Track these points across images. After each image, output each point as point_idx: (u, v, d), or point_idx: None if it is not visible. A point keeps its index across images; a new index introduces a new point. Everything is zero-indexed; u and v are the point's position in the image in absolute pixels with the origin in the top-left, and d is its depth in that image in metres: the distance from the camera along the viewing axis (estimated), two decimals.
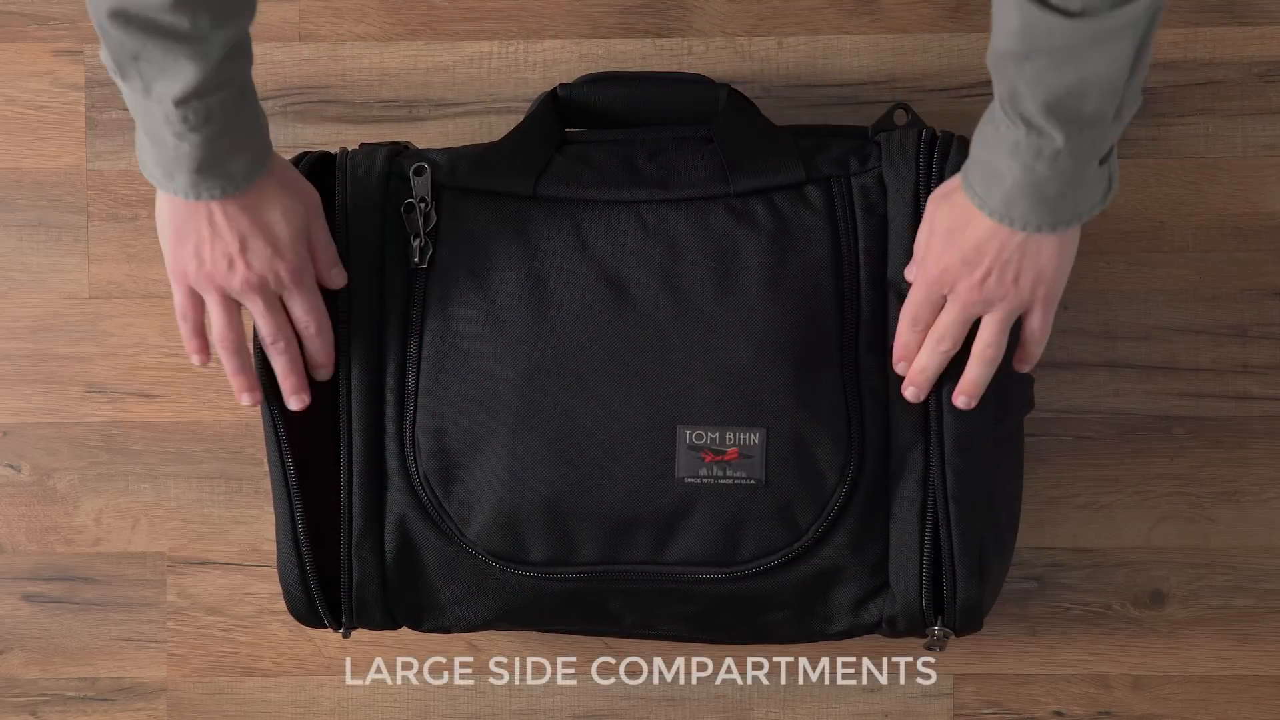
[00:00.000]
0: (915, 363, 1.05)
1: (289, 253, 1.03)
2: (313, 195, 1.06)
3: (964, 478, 1.06)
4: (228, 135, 0.97)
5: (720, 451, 1.05)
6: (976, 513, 1.07)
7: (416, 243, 1.09)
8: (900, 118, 1.13)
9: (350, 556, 1.09)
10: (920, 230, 1.04)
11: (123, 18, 0.93)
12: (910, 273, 1.05)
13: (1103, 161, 0.95)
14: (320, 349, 1.07)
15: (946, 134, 1.08)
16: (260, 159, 1.01)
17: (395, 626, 1.12)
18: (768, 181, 1.08)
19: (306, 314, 1.05)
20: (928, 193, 1.06)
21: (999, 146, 0.94)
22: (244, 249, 1.01)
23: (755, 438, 1.05)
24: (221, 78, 0.95)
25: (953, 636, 1.10)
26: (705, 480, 1.05)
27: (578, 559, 1.07)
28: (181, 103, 0.95)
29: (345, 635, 1.12)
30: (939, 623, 1.09)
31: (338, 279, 1.07)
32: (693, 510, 1.06)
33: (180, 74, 0.94)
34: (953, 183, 1.02)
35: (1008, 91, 0.92)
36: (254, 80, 1.00)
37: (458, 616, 1.11)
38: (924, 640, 1.10)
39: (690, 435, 1.05)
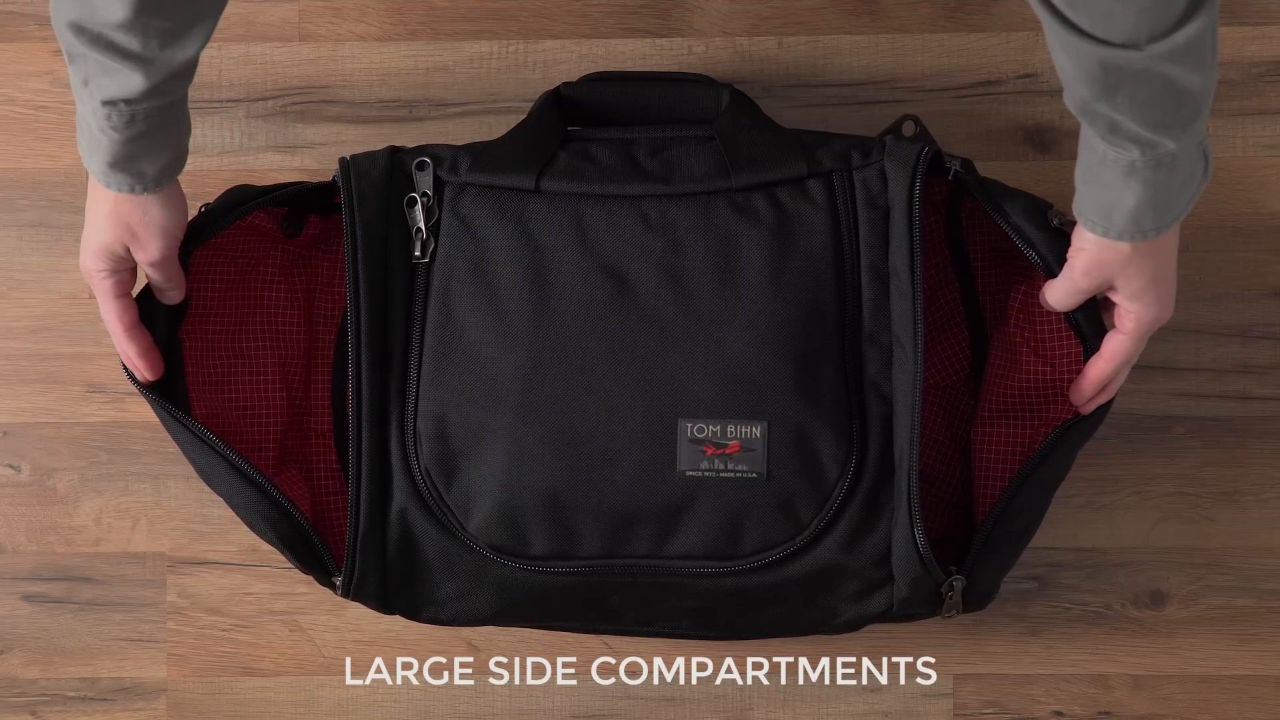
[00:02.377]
0: (1113, 387, 1.07)
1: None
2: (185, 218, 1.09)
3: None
4: (147, 139, 1.00)
5: (722, 445, 1.05)
6: (1035, 488, 1.09)
7: (418, 237, 1.09)
8: (909, 129, 1.13)
9: (355, 551, 1.08)
10: (1074, 291, 1.04)
11: (77, 28, 0.95)
12: (1053, 298, 1.05)
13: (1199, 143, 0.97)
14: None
15: (951, 158, 1.08)
16: (173, 167, 1.03)
17: (389, 613, 1.12)
18: (769, 176, 1.08)
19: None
20: (924, 198, 1.06)
21: (1111, 176, 0.95)
22: (135, 238, 1.04)
23: (757, 431, 1.05)
24: (157, 93, 0.97)
25: (961, 607, 1.09)
26: (707, 474, 1.05)
27: (579, 553, 1.07)
28: (109, 104, 0.97)
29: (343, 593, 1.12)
30: (952, 574, 1.08)
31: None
32: (694, 504, 1.06)
33: (119, 83, 0.96)
34: (1092, 250, 1.01)
35: (1106, 128, 0.92)
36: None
37: (457, 610, 1.11)
38: (940, 608, 1.09)
39: (692, 428, 1.05)
